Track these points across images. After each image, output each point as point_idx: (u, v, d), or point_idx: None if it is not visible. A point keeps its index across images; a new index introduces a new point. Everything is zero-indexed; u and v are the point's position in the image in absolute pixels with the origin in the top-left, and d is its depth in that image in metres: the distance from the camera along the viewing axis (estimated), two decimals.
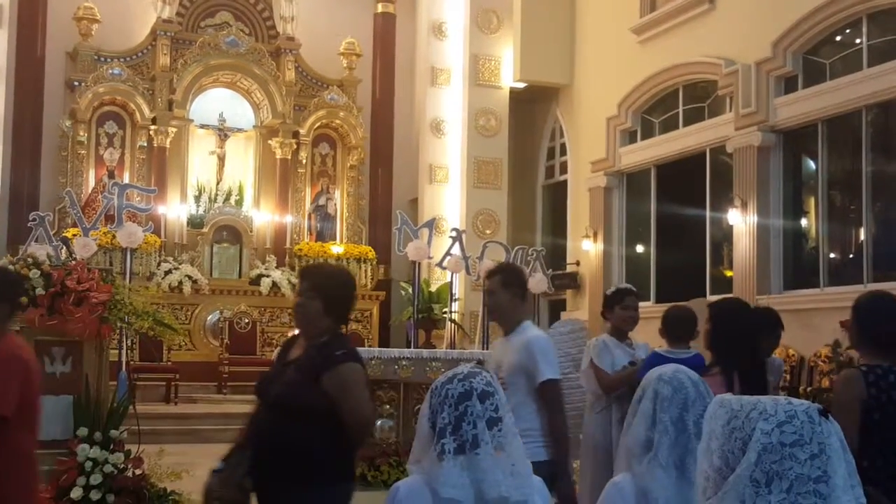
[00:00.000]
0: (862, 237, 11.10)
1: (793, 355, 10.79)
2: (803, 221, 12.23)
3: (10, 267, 6.50)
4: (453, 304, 14.00)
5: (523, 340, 4.31)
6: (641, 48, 14.29)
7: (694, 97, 13.61)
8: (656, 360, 4.94)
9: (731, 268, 12.54)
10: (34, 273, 6.35)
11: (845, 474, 1.55)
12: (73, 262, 6.90)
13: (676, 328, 5.36)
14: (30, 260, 6.56)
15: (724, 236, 12.81)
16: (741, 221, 12.10)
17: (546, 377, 4.19)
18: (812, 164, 11.93)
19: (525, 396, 4.21)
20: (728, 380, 4.09)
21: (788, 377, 10.51)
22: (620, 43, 14.64)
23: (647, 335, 6.25)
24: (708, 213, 13.14)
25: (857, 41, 11.09)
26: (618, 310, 5.80)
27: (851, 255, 11.40)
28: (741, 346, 4.27)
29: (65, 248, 9.01)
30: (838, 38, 11.45)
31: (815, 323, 10.81)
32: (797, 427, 1.57)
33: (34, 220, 9.67)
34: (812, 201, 11.97)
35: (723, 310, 4.51)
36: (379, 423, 8.41)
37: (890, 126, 10.97)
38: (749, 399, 1.66)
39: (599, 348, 5.68)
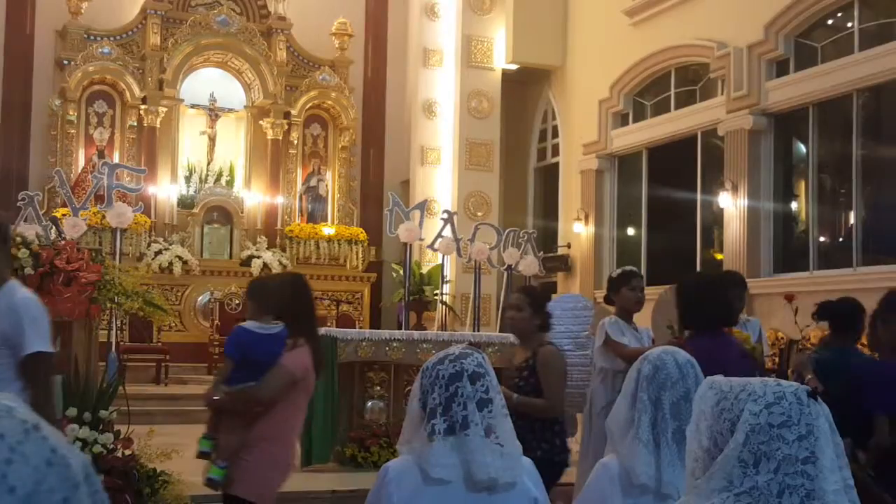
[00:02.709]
0: (852, 221, 11.13)
1: (782, 338, 10.82)
2: (793, 205, 12.26)
3: None
4: (444, 286, 14.02)
5: (9, 304, 3.50)
6: (634, 30, 14.27)
7: (686, 80, 13.61)
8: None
9: (721, 251, 12.58)
10: (23, 253, 6.32)
11: (833, 455, 1.56)
12: (63, 242, 6.88)
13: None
14: (19, 239, 6.53)
15: (715, 219, 12.84)
16: (732, 205, 12.12)
17: (35, 349, 3.51)
18: (803, 148, 11.95)
19: (6, 372, 3.49)
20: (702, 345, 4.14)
21: (777, 360, 10.55)
22: (613, 25, 14.61)
23: (640, 318, 6.26)
24: (699, 196, 13.17)
25: (849, 24, 11.08)
26: (625, 291, 5.81)
27: (841, 239, 11.44)
28: (719, 315, 4.47)
29: (54, 227, 8.98)
30: (830, 22, 11.44)
31: (804, 306, 10.83)
32: (785, 408, 1.57)
33: (23, 199, 9.63)
34: (802, 185, 12.00)
35: (691, 286, 4.69)
36: (369, 404, 8.42)
37: (881, 110, 10.98)
38: (738, 381, 1.66)
39: (616, 325, 5.70)
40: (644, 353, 5.61)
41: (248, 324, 4.29)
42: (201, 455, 4.53)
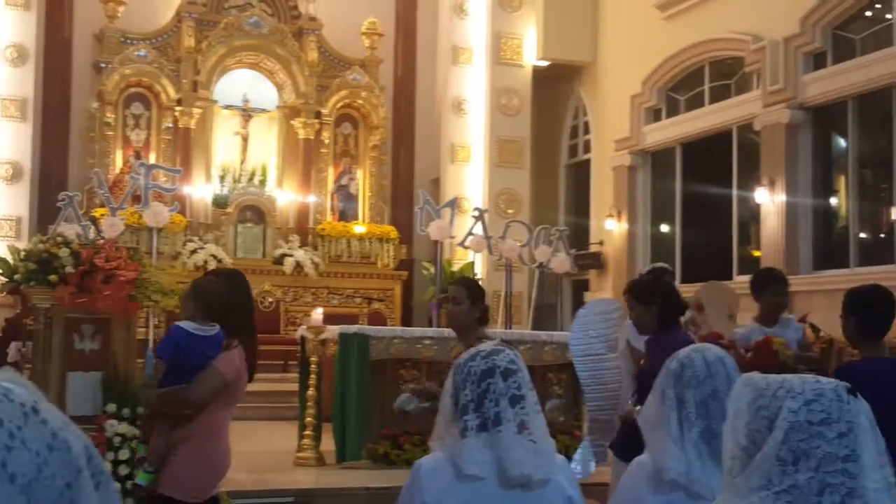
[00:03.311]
0: (893, 216, 11.00)
1: (822, 336, 10.70)
2: (833, 200, 12.13)
3: (41, 246, 6.57)
4: None
5: None
6: (666, 24, 14.17)
7: (720, 74, 13.51)
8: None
9: (758, 248, 12.47)
10: (64, 252, 6.41)
11: (874, 453, 1.54)
12: (102, 241, 6.97)
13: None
14: (59, 239, 6.63)
15: (752, 215, 12.73)
16: (769, 200, 12.01)
17: None
18: (842, 142, 11.82)
19: None
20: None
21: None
22: (645, 19, 14.52)
23: None
24: (735, 192, 13.06)
25: (888, 16, 10.94)
26: (769, 297, 5.64)
27: (882, 235, 11.30)
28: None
29: (93, 227, 9.10)
30: (868, 14, 11.30)
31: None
32: (825, 405, 1.55)
33: (63, 200, 9.74)
34: (842, 180, 11.86)
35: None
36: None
37: None
38: (775, 377, 1.65)
39: (635, 329, 5.65)
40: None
41: (185, 324, 4.18)
42: (136, 488, 4.50)
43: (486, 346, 2.58)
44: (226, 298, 4.24)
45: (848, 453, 1.53)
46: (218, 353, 4.07)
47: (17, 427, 0.83)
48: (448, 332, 9.05)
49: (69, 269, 6.35)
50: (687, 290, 9.44)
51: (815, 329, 5.33)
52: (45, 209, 13.55)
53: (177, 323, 4.28)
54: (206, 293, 4.25)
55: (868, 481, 1.51)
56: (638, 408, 4.68)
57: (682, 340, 4.73)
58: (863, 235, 11.49)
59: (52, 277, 6.35)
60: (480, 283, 4.93)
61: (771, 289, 5.56)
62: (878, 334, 4.10)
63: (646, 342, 4.96)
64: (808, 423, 1.55)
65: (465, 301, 4.51)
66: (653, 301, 4.84)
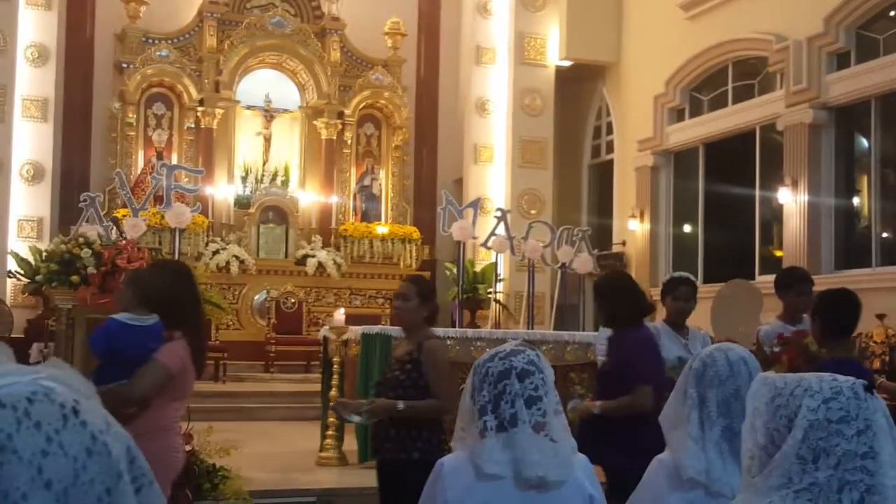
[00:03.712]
0: None
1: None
2: (855, 200, 12.05)
3: (63, 247, 6.63)
4: (498, 284, 14.01)
5: None
6: (690, 24, 14.12)
7: (743, 74, 13.45)
8: None
9: (780, 248, 12.41)
10: (86, 252, 6.47)
11: (892, 450, 1.54)
12: (124, 242, 7.01)
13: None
14: (81, 239, 6.68)
15: (774, 215, 12.67)
16: (791, 200, 11.95)
17: None
18: (865, 142, 11.74)
19: None
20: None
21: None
22: (668, 19, 14.48)
23: (697, 315, 6.18)
24: (757, 192, 13.00)
25: None
26: (669, 300, 5.73)
27: None
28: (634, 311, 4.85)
29: (115, 228, 9.15)
30: (892, 13, 11.22)
31: (867, 303, 10.61)
32: (843, 403, 1.56)
33: (85, 200, 9.80)
34: (865, 180, 11.79)
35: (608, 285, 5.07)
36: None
37: None
38: (793, 376, 1.65)
39: (657, 332, 5.63)
40: None
41: (121, 315, 3.94)
42: None
43: (506, 346, 2.59)
44: (167, 289, 4.01)
45: (866, 450, 1.53)
46: (159, 344, 3.84)
47: (56, 430, 0.79)
48: (472, 332, 9.08)
49: (91, 270, 6.40)
50: (709, 290, 9.41)
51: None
52: (67, 210, 13.64)
53: (111, 315, 4.04)
54: (142, 283, 4.07)
55: (886, 478, 1.52)
56: (598, 403, 4.69)
57: (640, 338, 4.76)
58: (885, 235, 11.41)
59: (74, 278, 6.41)
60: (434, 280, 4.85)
61: (796, 289, 5.58)
62: (843, 336, 4.40)
63: (608, 339, 5.03)
64: (828, 421, 1.56)
65: (415, 298, 4.42)
66: (613, 298, 4.93)
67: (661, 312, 5.88)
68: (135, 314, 3.89)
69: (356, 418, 4.39)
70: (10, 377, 0.80)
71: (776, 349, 4.95)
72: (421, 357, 4.30)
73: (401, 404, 4.19)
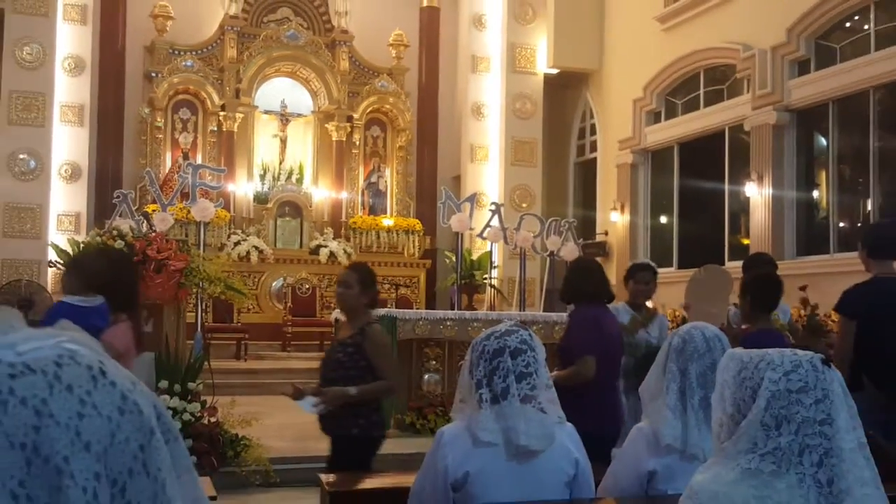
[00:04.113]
0: (869, 207, 10.93)
1: (804, 316, 10.65)
2: (815, 193, 12.05)
3: (98, 239, 6.63)
4: (493, 270, 14.01)
5: None
6: (665, 35, 14.10)
7: (714, 80, 13.43)
8: None
9: (747, 236, 12.42)
10: (119, 244, 6.47)
11: (847, 417, 1.55)
12: (153, 234, 7.02)
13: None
14: (115, 232, 6.69)
15: (742, 208, 12.68)
16: (757, 194, 11.95)
17: None
18: (823, 141, 11.74)
19: None
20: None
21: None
22: (646, 31, 14.45)
23: (673, 298, 6.21)
24: (726, 187, 13.00)
25: (866, 27, 10.85)
26: (631, 283, 5.78)
27: (859, 224, 11.22)
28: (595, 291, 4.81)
29: (146, 222, 9.16)
30: (848, 24, 11.20)
31: (826, 286, 10.65)
32: (802, 375, 1.57)
33: (118, 197, 9.81)
34: (823, 175, 11.79)
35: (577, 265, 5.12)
36: (426, 377, 8.47)
37: None
38: (757, 352, 1.66)
39: (616, 312, 5.66)
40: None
41: (67, 298, 3.75)
42: None
43: (501, 326, 2.60)
44: (108, 274, 3.80)
45: (824, 417, 1.54)
46: (106, 324, 3.70)
47: (87, 392, 0.73)
48: (469, 314, 9.09)
49: None
50: (684, 275, 9.39)
51: (805, 304, 5.38)
52: (102, 205, 13.65)
53: (60, 299, 3.85)
54: (84, 267, 3.86)
55: (843, 442, 1.53)
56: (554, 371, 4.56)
57: (586, 316, 4.72)
58: (842, 225, 11.42)
59: None
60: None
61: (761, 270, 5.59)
62: (766, 311, 4.49)
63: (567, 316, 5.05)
64: (788, 391, 1.57)
65: (356, 286, 4.27)
66: (574, 276, 4.93)
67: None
68: (81, 297, 3.69)
69: (311, 409, 4.17)
70: (31, 342, 0.74)
71: (744, 326, 4.97)
72: (364, 342, 4.15)
73: (352, 390, 4.07)
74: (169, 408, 6.27)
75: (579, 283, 4.82)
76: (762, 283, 4.60)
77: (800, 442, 1.54)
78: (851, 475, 1.52)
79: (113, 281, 3.76)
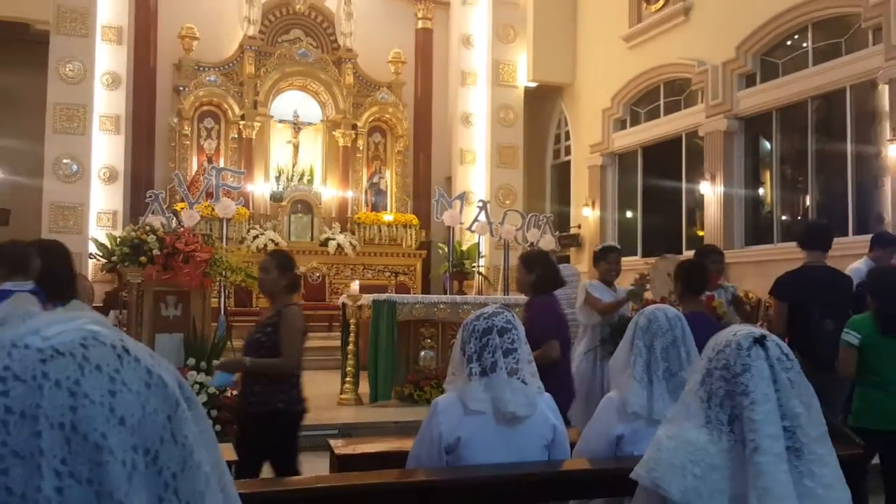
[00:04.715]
0: (808, 203, 10.95)
1: (752, 297, 10.69)
2: (760, 191, 12.07)
3: (133, 234, 6.59)
4: (480, 259, 14.01)
5: None
6: (630, 52, 14.07)
7: (672, 91, 13.42)
8: None
9: (702, 229, 12.43)
10: (151, 238, 6.44)
11: (766, 390, 1.54)
12: (182, 230, 6.99)
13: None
14: (147, 228, 6.65)
15: (697, 203, 12.69)
16: (710, 191, 11.97)
17: None
18: (768, 145, 11.75)
19: None
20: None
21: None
22: (613, 48, 14.43)
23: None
24: (684, 185, 13.01)
25: (804, 45, 10.85)
26: (602, 264, 5.79)
27: (799, 217, 11.25)
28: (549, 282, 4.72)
29: (175, 218, 9.12)
30: (789, 42, 11.21)
31: (770, 272, 10.66)
32: (727, 355, 1.58)
33: (150, 197, 9.77)
34: (768, 175, 11.80)
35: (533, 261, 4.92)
36: (422, 353, 8.47)
37: (831, 113, 10.75)
38: (718, 336, 1.64)
39: (595, 286, 5.70)
40: (616, 303, 5.67)
41: (2, 285, 3.46)
42: None
43: (487, 308, 2.59)
44: (36, 260, 3.56)
45: (743, 389, 1.53)
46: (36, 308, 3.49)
47: (116, 370, 0.70)
48: (459, 298, 9.08)
49: (156, 252, 6.38)
50: (647, 263, 9.36)
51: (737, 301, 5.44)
52: (136, 204, 13.58)
53: None
54: (10, 255, 3.57)
55: (756, 414, 1.51)
56: None
57: (547, 303, 4.70)
58: (784, 218, 11.45)
59: (142, 259, 6.38)
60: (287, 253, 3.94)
61: (710, 258, 5.59)
62: (695, 294, 4.49)
63: (525, 304, 4.87)
64: (716, 369, 1.58)
65: (274, 270, 4.03)
66: (534, 269, 4.72)
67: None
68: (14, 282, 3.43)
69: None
70: (55, 326, 0.70)
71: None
72: (280, 321, 3.96)
73: (247, 360, 3.94)
74: (196, 382, 6.25)
75: (545, 276, 4.74)
76: (690, 270, 4.59)
77: (728, 412, 1.55)
78: (763, 432, 1.50)
79: (46, 271, 3.54)
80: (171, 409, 0.72)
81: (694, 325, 4.13)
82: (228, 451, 3.21)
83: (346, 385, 8.09)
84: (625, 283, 6.20)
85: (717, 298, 5.33)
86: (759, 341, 1.56)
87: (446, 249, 12.51)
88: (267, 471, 3.95)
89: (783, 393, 1.52)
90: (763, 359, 1.55)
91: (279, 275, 4.04)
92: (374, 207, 16.10)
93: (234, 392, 6.46)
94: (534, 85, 15.86)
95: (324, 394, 8.45)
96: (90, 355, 0.69)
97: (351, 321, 8.25)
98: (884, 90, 9.47)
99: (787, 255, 10.61)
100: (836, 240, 9.93)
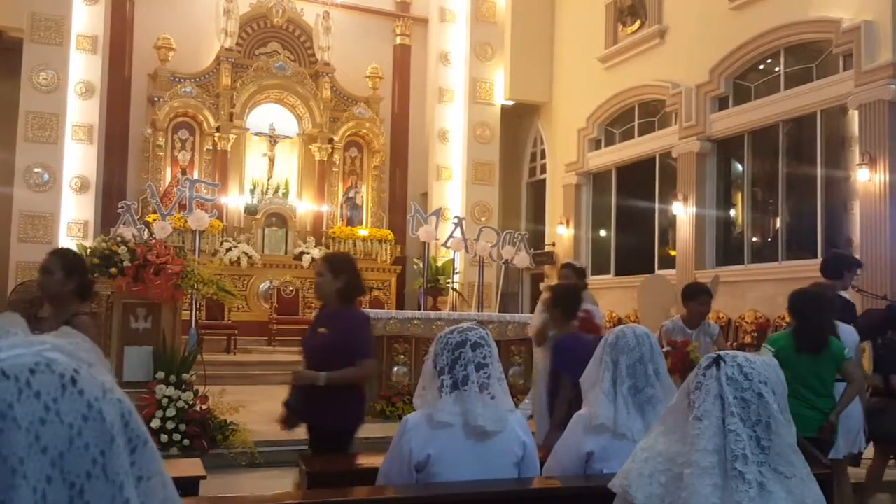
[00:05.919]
0: (778, 225, 11.09)
1: (723, 318, 10.79)
2: (732, 212, 12.22)
3: (104, 244, 6.51)
4: (455, 276, 14.02)
5: None
6: (606, 73, 14.23)
7: (647, 113, 13.57)
8: None
9: (674, 248, 12.54)
10: (122, 249, 6.36)
11: (712, 407, 1.59)
12: (153, 241, 6.91)
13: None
14: (119, 239, 6.58)
15: (669, 223, 12.81)
16: (683, 212, 12.08)
17: None
18: (739, 167, 11.91)
19: None
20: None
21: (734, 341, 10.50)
22: (589, 69, 14.58)
23: (610, 301, 6.23)
24: (657, 205, 13.13)
25: (776, 69, 11.03)
26: (692, 304, 5.62)
27: (769, 239, 11.40)
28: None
29: (147, 229, 9.03)
30: (761, 67, 11.40)
31: (740, 292, 10.81)
32: (694, 375, 1.65)
33: (122, 207, 9.67)
34: (739, 196, 11.95)
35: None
36: (395, 369, 8.42)
37: (801, 137, 10.94)
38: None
39: (673, 329, 5.62)
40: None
41: None
42: None
43: (463, 324, 2.59)
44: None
45: (691, 405, 1.61)
46: None
47: (54, 399, 0.70)
48: (434, 314, 9.07)
49: (126, 264, 6.30)
50: (620, 281, 9.39)
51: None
52: (108, 215, 13.44)
53: None
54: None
55: (694, 429, 1.58)
56: (322, 374, 3.74)
57: (361, 317, 3.92)
58: (755, 239, 11.59)
59: (113, 270, 6.30)
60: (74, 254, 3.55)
61: (699, 299, 5.51)
62: (570, 318, 4.60)
63: (329, 316, 3.94)
64: (682, 390, 1.67)
65: (59, 272, 3.36)
66: (340, 275, 3.87)
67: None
68: None
69: None
70: (16, 349, 0.71)
71: (666, 349, 4.98)
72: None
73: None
74: (165, 396, 6.17)
75: (352, 286, 3.93)
76: (565, 296, 4.69)
77: (682, 430, 1.62)
78: (695, 446, 1.56)
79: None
80: (105, 445, 0.72)
81: (570, 346, 4.38)
82: (199, 466, 3.16)
83: None
84: (604, 301, 6.22)
85: (693, 342, 5.30)
86: (717, 362, 1.60)
87: (421, 265, 12.50)
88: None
89: (731, 411, 1.55)
90: (714, 378, 1.59)
91: (65, 278, 3.36)
92: (350, 222, 16.06)
93: (203, 406, 6.39)
94: (510, 103, 15.97)
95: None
96: (34, 381, 0.70)
97: None
98: (854, 115, 9.65)
99: (757, 276, 10.75)
100: (804, 262, 10.10)
